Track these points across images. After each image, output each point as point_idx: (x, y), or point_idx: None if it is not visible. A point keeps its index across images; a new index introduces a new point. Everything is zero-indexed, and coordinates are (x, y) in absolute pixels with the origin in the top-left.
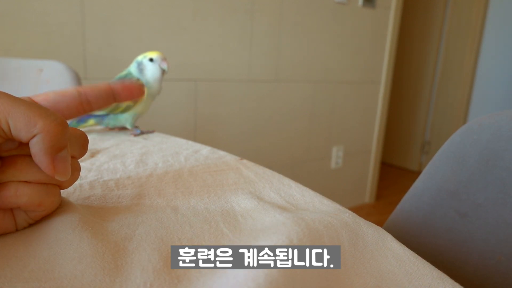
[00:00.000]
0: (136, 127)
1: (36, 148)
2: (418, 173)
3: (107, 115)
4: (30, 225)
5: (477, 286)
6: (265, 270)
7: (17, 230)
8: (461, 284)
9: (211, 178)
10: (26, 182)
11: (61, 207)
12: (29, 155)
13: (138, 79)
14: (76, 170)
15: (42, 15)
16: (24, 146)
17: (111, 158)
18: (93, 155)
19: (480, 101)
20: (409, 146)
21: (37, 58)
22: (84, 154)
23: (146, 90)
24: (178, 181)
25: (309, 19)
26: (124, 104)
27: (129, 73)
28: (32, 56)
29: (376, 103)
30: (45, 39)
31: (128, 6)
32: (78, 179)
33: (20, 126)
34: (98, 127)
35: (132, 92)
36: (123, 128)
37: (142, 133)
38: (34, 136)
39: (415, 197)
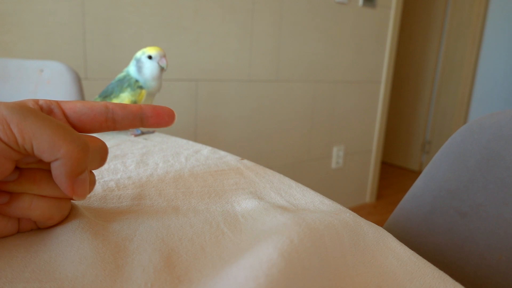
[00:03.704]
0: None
1: (57, 171)
2: (418, 172)
3: None
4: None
5: (478, 285)
6: (266, 270)
7: (19, 232)
8: (461, 283)
9: (211, 178)
10: (41, 196)
11: None
12: (48, 170)
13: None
14: (92, 184)
15: (43, 16)
16: (44, 161)
17: (112, 158)
18: None
19: (481, 101)
20: (409, 145)
21: (37, 58)
22: (103, 165)
23: (145, 91)
24: (179, 181)
25: (309, 19)
26: None
27: (128, 74)
28: (33, 56)
29: (377, 103)
30: (46, 40)
31: (128, 6)
32: None
33: (44, 149)
34: None
35: (161, 118)
36: None
37: (142, 133)
38: (56, 160)
39: (416, 196)
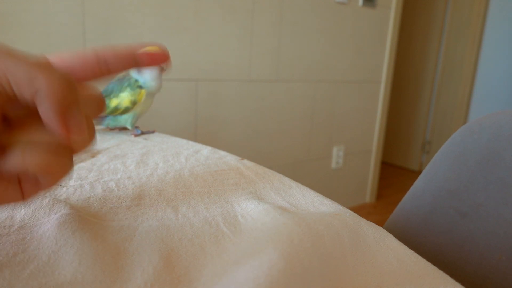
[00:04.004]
0: (137, 127)
1: (43, 107)
2: (418, 172)
3: (107, 116)
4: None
5: (478, 285)
6: (266, 271)
7: (23, 199)
8: (461, 283)
9: (211, 178)
10: (34, 143)
11: (61, 208)
12: (38, 116)
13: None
14: (91, 131)
15: (43, 15)
16: (35, 111)
17: (112, 158)
18: (93, 155)
19: (481, 101)
20: (409, 145)
21: None
22: (101, 113)
23: (144, 90)
24: (179, 181)
25: (309, 19)
26: (123, 106)
27: (127, 74)
28: None
29: (377, 103)
30: (46, 40)
31: (128, 6)
32: (79, 180)
33: (21, 81)
34: (99, 128)
35: (155, 57)
36: (123, 129)
37: (142, 133)
38: (37, 93)
39: (416, 196)
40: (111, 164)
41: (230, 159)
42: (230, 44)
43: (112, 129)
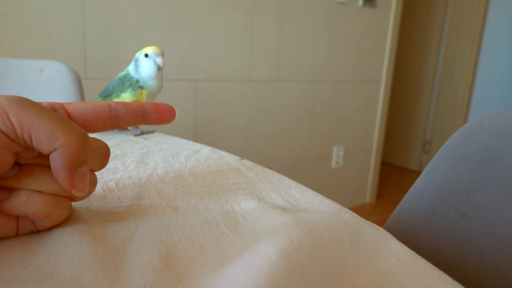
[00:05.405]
0: (137, 127)
1: (56, 162)
2: (418, 172)
3: None
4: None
5: (478, 286)
6: (266, 271)
7: (17, 235)
8: (461, 283)
9: (211, 178)
10: (39, 192)
11: None
12: (47, 166)
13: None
14: (93, 184)
15: (43, 15)
16: (43, 156)
17: (112, 158)
18: None
19: (481, 101)
20: (409, 145)
21: (37, 58)
22: (104, 166)
23: (145, 91)
24: (179, 181)
25: (309, 19)
26: None
27: (128, 74)
28: (33, 56)
29: (377, 103)
30: (46, 40)
31: (128, 6)
32: None
33: (42, 138)
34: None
35: (162, 114)
36: (123, 128)
37: (142, 133)
38: (54, 150)
39: (416, 196)
40: (111, 164)
41: (230, 159)
42: (230, 44)
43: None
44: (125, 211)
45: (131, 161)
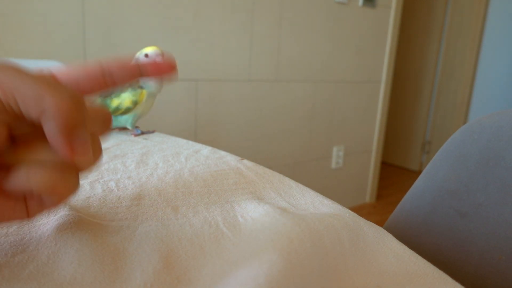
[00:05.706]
0: (137, 127)
1: (49, 126)
2: (418, 172)
3: None
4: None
5: (478, 285)
6: (266, 271)
7: (29, 218)
8: (461, 283)
9: (211, 178)
10: (40, 163)
11: (60, 209)
12: (43, 135)
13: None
14: (97, 150)
15: (42, 16)
16: (40, 128)
17: (112, 158)
18: None
19: (481, 101)
20: (409, 145)
21: (37, 58)
22: (107, 131)
23: (145, 91)
24: (179, 181)
25: (309, 19)
26: (124, 106)
27: None
28: (33, 56)
29: (377, 102)
30: (45, 40)
31: (128, 6)
32: None
33: (28, 101)
34: None
35: (160, 68)
36: (123, 128)
37: (142, 133)
38: (44, 113)
39: (416, 196)
40: (111, 164)
41: (230, 159)
42: (230, 44)
43: (112, 129)
44: (125, 211)
45: (131, 161)
